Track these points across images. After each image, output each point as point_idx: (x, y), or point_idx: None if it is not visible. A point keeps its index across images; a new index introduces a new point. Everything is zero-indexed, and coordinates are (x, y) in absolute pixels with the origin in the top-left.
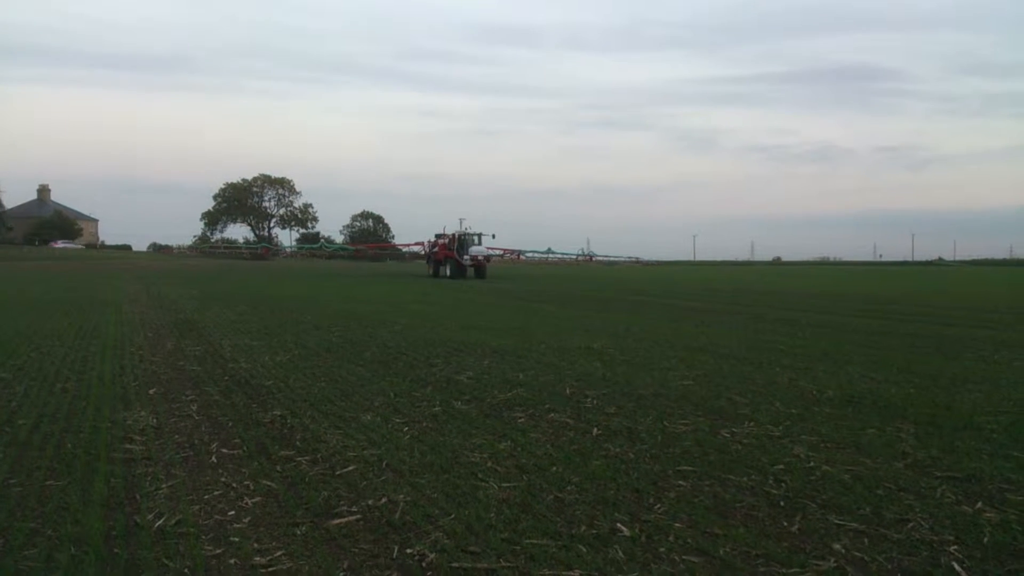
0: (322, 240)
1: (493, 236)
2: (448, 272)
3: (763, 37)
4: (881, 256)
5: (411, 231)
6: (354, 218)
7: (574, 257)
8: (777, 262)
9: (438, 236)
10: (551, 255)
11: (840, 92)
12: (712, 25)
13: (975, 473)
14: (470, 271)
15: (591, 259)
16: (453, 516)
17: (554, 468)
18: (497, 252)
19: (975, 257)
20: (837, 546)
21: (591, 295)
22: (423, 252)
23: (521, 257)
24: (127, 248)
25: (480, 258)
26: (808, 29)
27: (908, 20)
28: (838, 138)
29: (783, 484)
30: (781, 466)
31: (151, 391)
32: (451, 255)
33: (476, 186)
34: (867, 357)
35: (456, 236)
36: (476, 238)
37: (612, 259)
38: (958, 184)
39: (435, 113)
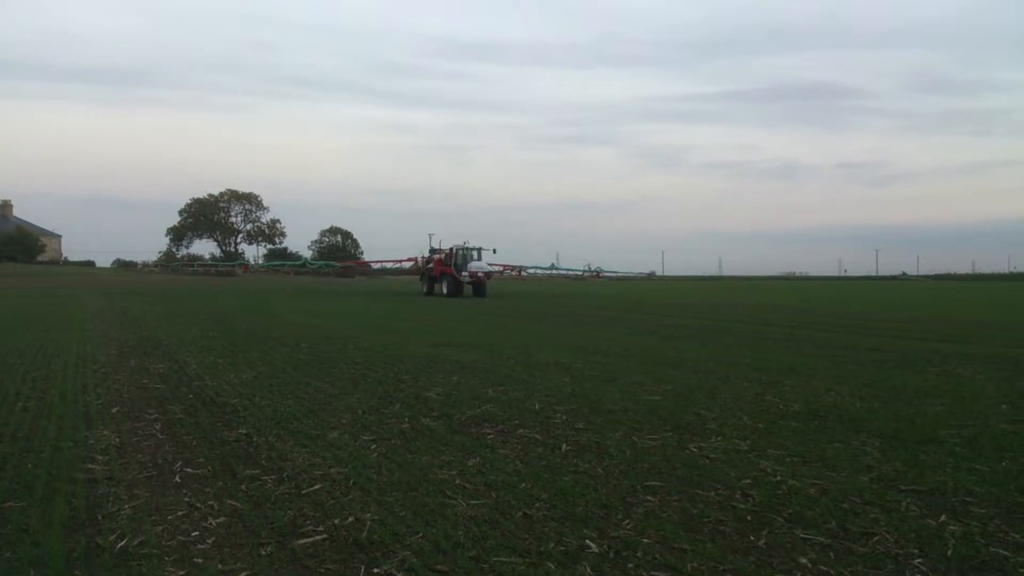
0: (304, 258)
1: (494, 251)
2: (444, 290)
3: (726, 55)
4: (846, 271)
5: (381, 247)
6: (322, 233)
7: (580, 273)
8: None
9: (433, 251)
10: (555, 271)
11: (801, 109)
12: (676, 43)
13: (939, 486)
14: (467, 289)
15: (599, 275)
16: (421, 534)
17: (523, 485)
18: (496, 268)
19: (939, 272)
20: (803, 560)
21: (570, 310)
22: (416, 268)
23: (522, 273)
24: (91, 264)
25: (480, 274)
26: (769, 48)
27: (866, 39)
28: (801, 155)
29: (750, 498)
30: (748, 480)
31: (114, 410)
32: (448, 271)
33: (444, 201)
34: (832, 371)
35: (453, 251)
36: (475, 253)
37: (623, 274)
38: (920, 200)
39: (404, 128)
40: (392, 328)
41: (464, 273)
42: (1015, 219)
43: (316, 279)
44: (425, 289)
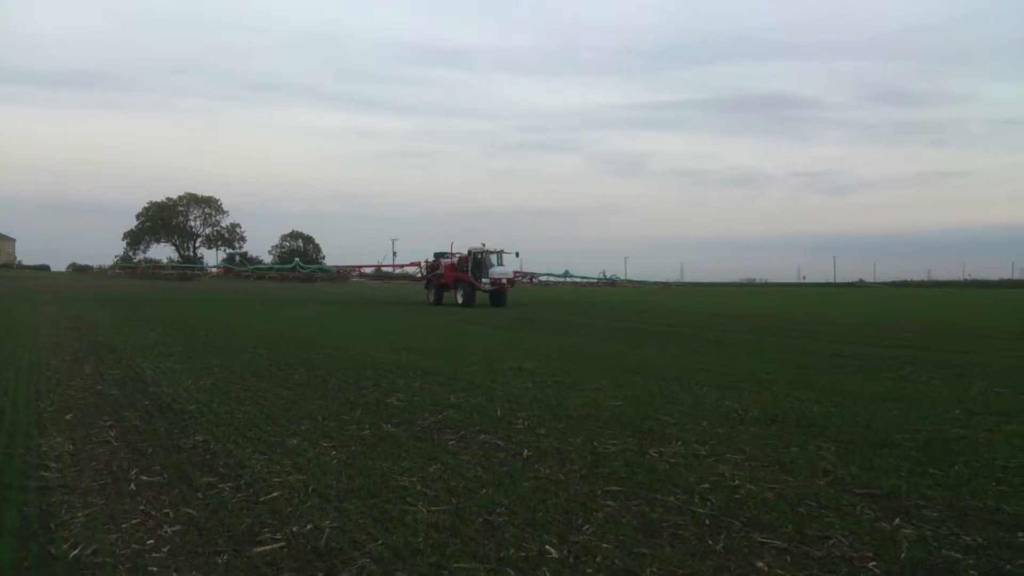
0: (296, 260)
1: (517, 255)
2: (460, 299)
3: (686, 64)
4: (805, 278)
5: (343, 252)
6: (283, 238)
7: (595, 280)
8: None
9: (439, 255)
10: (568, 278)
11: (759, 119)
12: (638, 52)
13: (893, 490)
14: (479, 297)
15: (614, 283)
16: (380, 541)
17: (484, 491)
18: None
19: (895, 279)
20: (760, 564)
21: (541, 317)
22: (419, 275)
23: (533, 280)
24: (45, 268)
25: (504, 281)
26: (728, 57)
27: (822, 50)
28: (759, 164)
29: (708, 503)
30: (707, 485)
31: (68, 416)
32: (464, 278)
33: (407, 207)
34: (790, 377)
35: (472, 255)
36: (495, 257)
37: (639, 281)
38: (877, 208)
39: (367, 134)
40: (355, 334)
41: (484, 280)
42: (969, 228)
43: (280, 284)
44: (432, 298)
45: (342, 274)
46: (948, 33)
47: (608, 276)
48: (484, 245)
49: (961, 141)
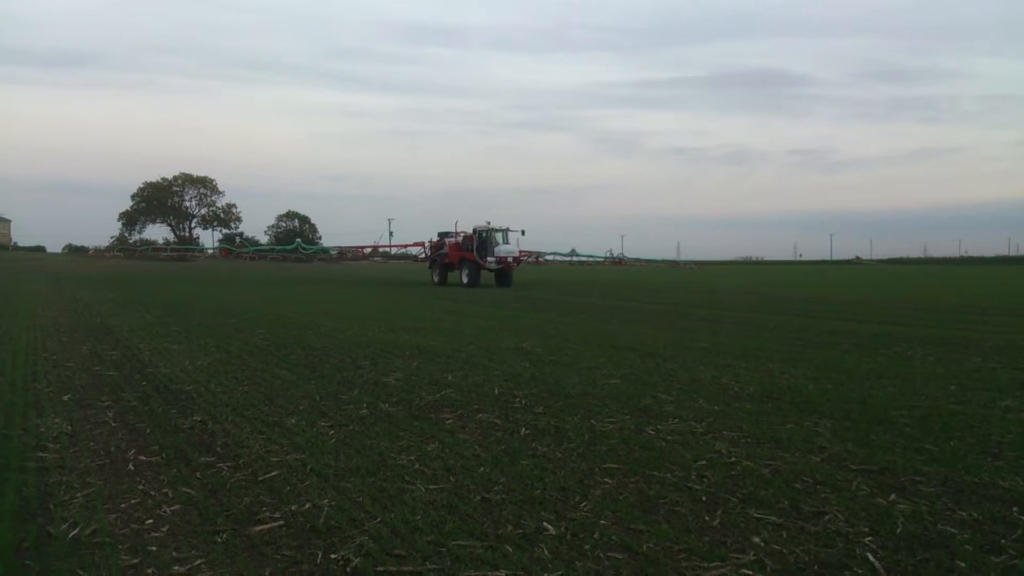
0: (297, 241)
1: (523, 232)
2: (465, 279)
3: (679, 42)
4: (801, 255)
5: (338, 232)
6: (279, 218)
7: (602, 260)
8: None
9: (443, 235)
10: (575, 257)
11: (752, 96)
12: (632, 29)
13: (889, 466)
14: (482, 277)
15: (621, 262)
16: (379, 520)
17: (482, 469)
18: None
19: (891, 256)
20: (756, 539)
21: (536, 296)
22: (423, 255)
23: (540, 260)
24: (41, 249)
25: (510, 260)
26: (721, 34)
27: (814, 26)
28: (753, 141)
29: (705, 479)
30: (703, 462)
31: (65, 397)
32: (469, 257)
33: (400, 187)
34: (787, 354)
35: (477, 233)
36: (501, 235)
37: (646, 260)
38: (871, 186)
39: (360, 113)
40: (352, 314)
41: (490, 259)
42: (964, 205)
43: (275, 264)
44: (437, 279)
45: (343, 255)
46: (940, 9)
47: (615, 255)
48: (490, 223)
49: (953, 118)
